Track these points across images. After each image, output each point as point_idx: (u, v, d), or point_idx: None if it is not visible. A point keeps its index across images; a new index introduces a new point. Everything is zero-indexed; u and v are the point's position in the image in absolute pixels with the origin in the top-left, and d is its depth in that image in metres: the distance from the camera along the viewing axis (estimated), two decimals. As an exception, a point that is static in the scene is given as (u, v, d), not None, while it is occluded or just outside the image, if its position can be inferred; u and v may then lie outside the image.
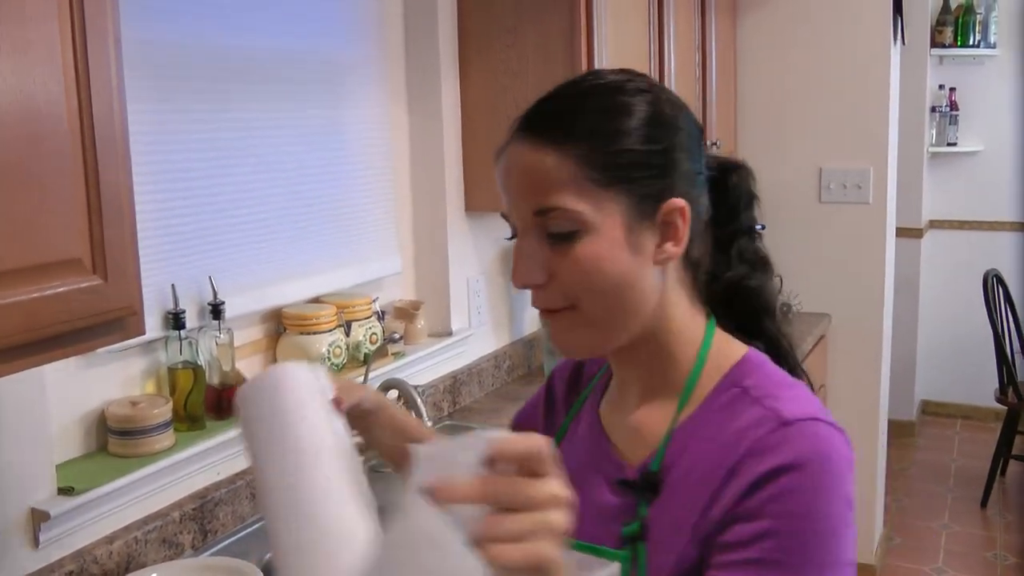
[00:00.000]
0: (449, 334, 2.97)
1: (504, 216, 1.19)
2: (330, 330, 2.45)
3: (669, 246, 1.15)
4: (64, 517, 1.84)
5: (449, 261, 2.96)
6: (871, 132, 4.21)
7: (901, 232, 4.89)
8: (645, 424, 1.22)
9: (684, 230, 1.15)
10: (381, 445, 1.44)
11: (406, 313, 2.80)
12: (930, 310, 6.50)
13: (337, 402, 1.16)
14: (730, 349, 1.21)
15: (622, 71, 1.21)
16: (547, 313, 1.17)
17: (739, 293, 1.25)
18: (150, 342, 2.14)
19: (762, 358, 1.20)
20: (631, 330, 1.17)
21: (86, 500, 1.86)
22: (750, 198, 1.27)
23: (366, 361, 2.52)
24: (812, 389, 1.21)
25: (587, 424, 1.33)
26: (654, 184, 1.13)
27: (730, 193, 1.25)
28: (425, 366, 2.78)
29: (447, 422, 2.84)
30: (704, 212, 1.20)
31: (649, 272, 1.15)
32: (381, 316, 2.68)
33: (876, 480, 4.47)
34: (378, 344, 2.58)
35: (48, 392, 1.85)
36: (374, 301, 2.65)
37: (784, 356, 1.26)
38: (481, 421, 2.85)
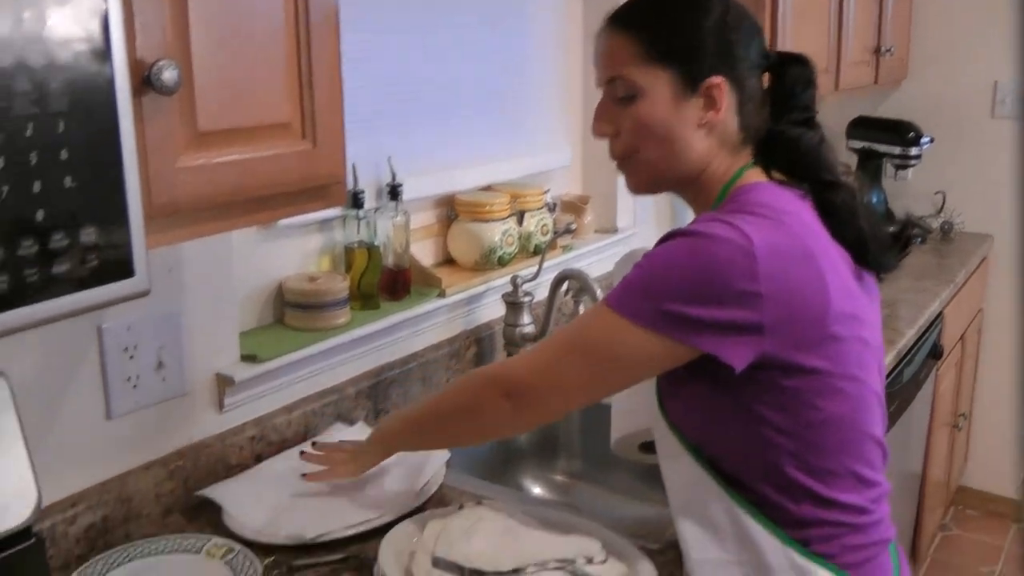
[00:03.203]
0: (615, 230, 2.94)
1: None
2: (503, 219, 2.44)
3: (710, 114, 1.46)
4: (247, 384, 1.88)
5: (618, 157, 2.90)
6: (1051, 44, 3.99)
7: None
8: None
9: (723, 102, 1.46)
10: None
11: (574, 207, 2.78)
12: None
13: None
14: (746, 187, 1.47)
15: None
16: (618, 160, 1.55)
17: (781, 143, 1.51)
18: (327, 220, 2.16)
19: (747, 197, 1.44)
20: (677, 173, 1.50)
21: (268, 369, 1.91)
22: (805, 84, 1.53)
23: (537, 252, 2.51)
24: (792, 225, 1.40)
25: None
26: (697, 65, 1.45)
27: (787, 79, 1.52)
28: (591, 261, 2.76)
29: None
30: (754, 90, 1.50)
31: (693, 132, 1.47)
32: (552, 208, 2.66)
33: (1026, 410, 4.34)
34: (549, 235, 2.56)
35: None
36: (546, 192, 2.63)
37: (820, 194, 1.49)
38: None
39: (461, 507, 1.67)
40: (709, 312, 1.32)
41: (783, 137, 1.51)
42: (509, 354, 2.41)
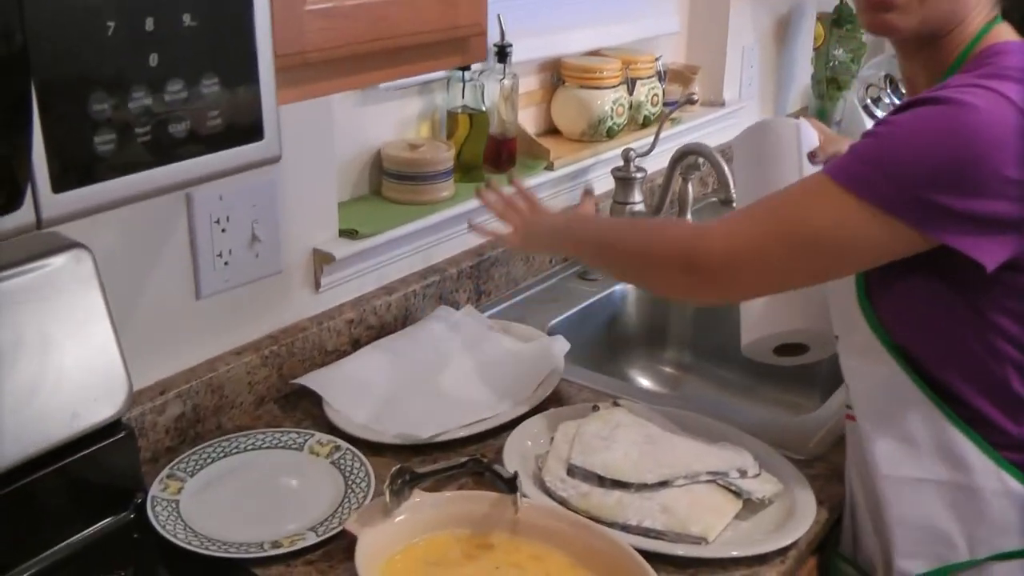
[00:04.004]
0: (722, 104, 2.73)
1: None
2: (614, 86, 2.22)
3: None
4: (346, 261, 1.71)
5: (729, 26, 2.69)
6: None
7: None
8: None
9: None
10: None
11: (682, 77, 2.55)
12: None
13: (811, 155, 1.51)
14: (997, 46, 1.22)
15: None
16: None
17: None
18: (427, 83, 1.95)
19: (1006, 60, 1.19)
20: (944, 19, 1.24)
21: (368, 246, 1.73)
22: None
23: (645, 124, 2.30)
24: None
25: None
26: None
27: None
28: (699, 135, 2.54)
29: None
30: None
31: None
32: (662, 77, 2.43)
33: None
34: (659, 106, 2.34)
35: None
36: (657, 60, 2.40)
37: None
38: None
39: (595, 408, 1.50)
40: (966, 203, 1.09)
41: None
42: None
